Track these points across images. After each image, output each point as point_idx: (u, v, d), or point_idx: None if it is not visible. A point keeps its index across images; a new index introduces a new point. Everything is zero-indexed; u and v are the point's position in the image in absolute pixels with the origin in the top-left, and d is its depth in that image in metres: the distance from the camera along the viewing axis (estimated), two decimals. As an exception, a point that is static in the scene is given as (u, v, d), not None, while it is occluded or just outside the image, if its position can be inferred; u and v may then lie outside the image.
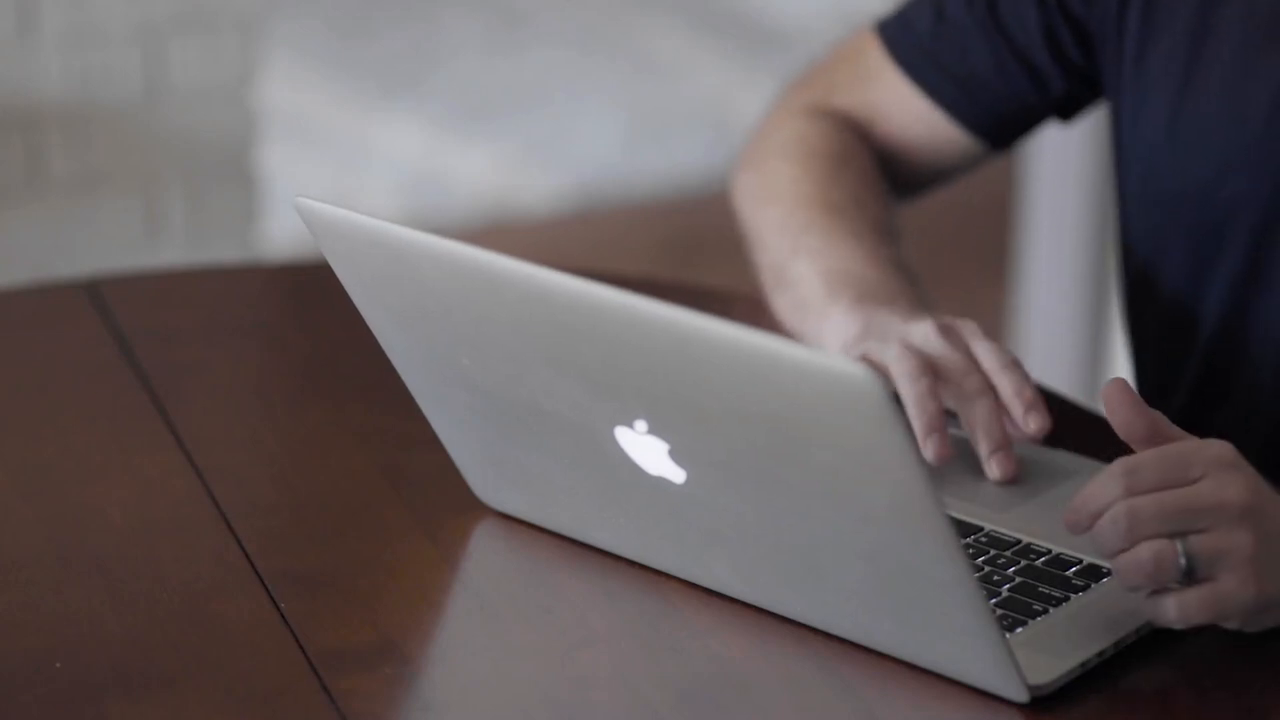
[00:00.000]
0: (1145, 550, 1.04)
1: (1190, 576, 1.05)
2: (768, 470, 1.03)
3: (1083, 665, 1.07)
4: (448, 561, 1.21)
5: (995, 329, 3.18)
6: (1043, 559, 1.15)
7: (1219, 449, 1.07)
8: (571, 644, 1.12)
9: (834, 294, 1.34)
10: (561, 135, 4.19)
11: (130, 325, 1.49)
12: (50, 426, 1.35)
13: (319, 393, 1.43)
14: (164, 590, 1.16)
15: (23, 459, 1.31)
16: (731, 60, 4.61)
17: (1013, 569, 1.14)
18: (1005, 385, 1.24)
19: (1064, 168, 2.98)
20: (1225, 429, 1.32)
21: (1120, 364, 2.88)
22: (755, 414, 1.00)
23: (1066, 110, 1.49)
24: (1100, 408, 1.13)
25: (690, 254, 3.68)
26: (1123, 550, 1.05)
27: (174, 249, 2.74)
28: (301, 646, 1.10)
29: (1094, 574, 1.13)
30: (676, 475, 1.08)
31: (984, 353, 1.25)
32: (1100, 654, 1.08)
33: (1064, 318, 3.03)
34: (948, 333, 1.26)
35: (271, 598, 1.15)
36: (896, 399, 1.22)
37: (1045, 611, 1.10)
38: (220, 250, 2.75)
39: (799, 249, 1.41)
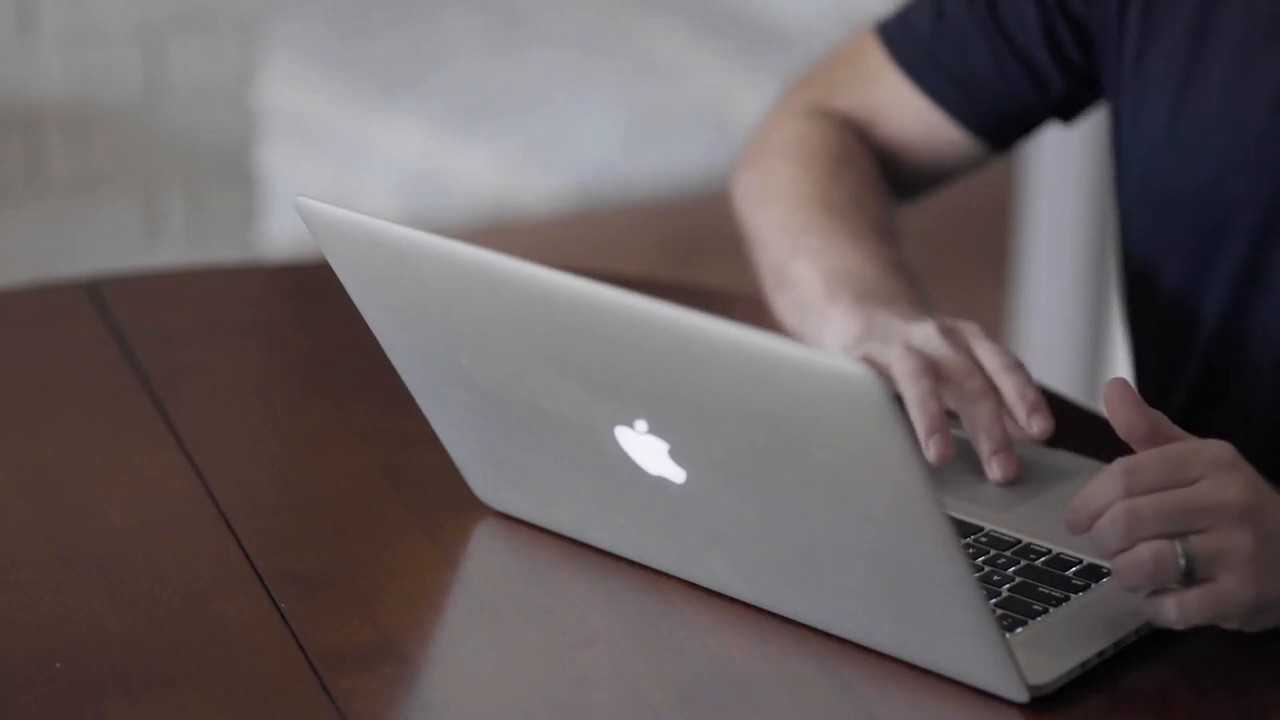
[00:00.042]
0: (1145, 550, 1.04)
1: (1190, 577, 1.05)
2: (768, 470, 1.03)
3: (1083, 665, 1.07)
4: (448, 561, 1.21)
5: (995, 330, 3.18)
6: (1043, 559, 1.15)
7: (1219, 449, 1.07)
8: (571, 644, 1.12)
9: (834, 294, 1.34)
10: (561, 135, 4.19)
11: (130, 325, 1.49)
12: (50, 426, 1.35)
13: (319, 393, 1.43)
14: (164, 590, 1.16)
15: (23, 459, 1.31)
16: (731, 60, 4.61)
17: (1013, 569, 1.14)
18: (1008, 387, 1.24)
19: (1064, 168, 2.98)
20: (1225, 429, 1.32)
21: (1120, 364, 2.88)
22: (755, 414, 1.00)
23: (1067, 111, 1.49)
24: (1100, 408, 1.13)
25: (690, 254, 3.68)
26: (1122, 550, 1.05)
27: (174, 249, 2.74)
28: (301, 646, 1.10)
29: (1094, 574, 1.13)
30: (676, 475, 1.08)
31: (986, 354, 1.25)
32: (1100, 654, 1.08)
33: (1064, 318, 3.03)
34: (949, 334, 1.26)
35: (271, 598, 1.15)
36: (898, 399, 1.22)
37: (1045, 611, 1.10)
38: (220, 250, 2.75)
39: (799, 249, 1.41)
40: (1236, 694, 1.07)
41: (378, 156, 4.10)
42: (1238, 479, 1.06)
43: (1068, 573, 1.14)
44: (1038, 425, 1.23)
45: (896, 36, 1.50)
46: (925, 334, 1.26)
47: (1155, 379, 1.47)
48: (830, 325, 1.33)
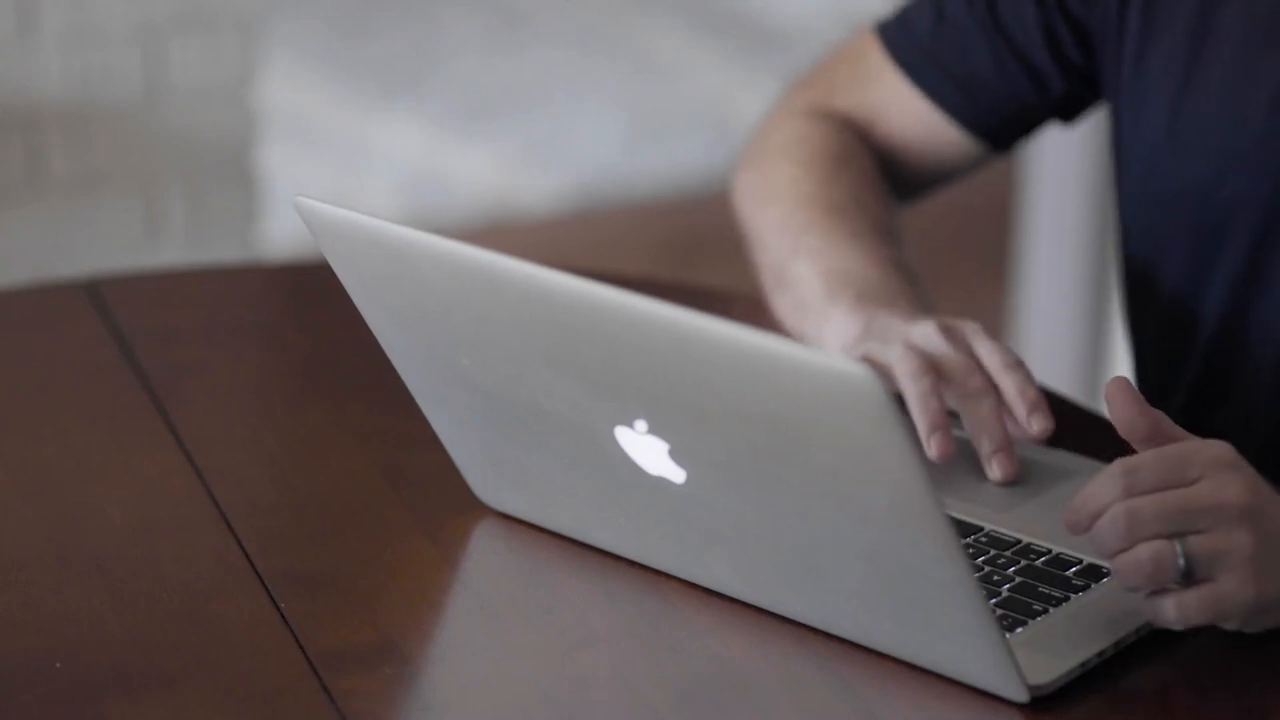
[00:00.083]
0: (1144, 551, 1.04)
1: (1189, 577, 1.05)
2: (768, 470, 1.03)
3: (1083, 665, 1.07)
4: (448, 561, 1.21)
5: (995, 330, 3.17)
6: (1043, 559, 1.15)
7: (1219, 449, 1.07)
8: (571, 644, 1.12)
9: (834, 295, 1.34)
10: (561, 135, 4.19)
11: (130, 325, 1.49)
12: (50, 426, 1.35)
13: (319, 393, 1.43)
14: (164, 590, 1.16)
15: (23, 459, 1.31)
16: (731, 60, 4.61)
17: (1013, 569, 1.14)
18: (1008, 386, 1.24)
19: (1064, 168, 2.98)
20: (1225, 429, 1.32)
21: (1120, 364, 2.88)
22: (755, 414, 1.00)
23: (1067, 111, 1.49)
24: (1101, 408, 1.13)
25: (690, 254, 3.68)
26: (1122, 551, 1.05)
27: (174, 249, 2.74)
28: (301, 646, 1.10)
29: (1094, 574, 1.13)
30: (676, 475, 1.08)
31: (986, 352, 1.25)
32: (1100, 654, 1.08)
33: (1064, 318, 3.03)
34: (950, 333, 1.26)
35: (271, 598, 1.15)
36: (898, 399, 1.22)
37: (1045, 611, 1.10)
38: (220, 250, 2.75)
39: (799, 249, 1.41)
40: (1236, 694, 1.07)
41: (378, 156, 4.10)
42: (1238, 479, 1.06)
43: (1068, 573, 1.14)
44: (1037, 424, 1.23)
45: (896, 37, 1.50)
46: (925, 333, 1.26)
47: (1155, 379, 1.47)
48: (830, 325, 1.33)
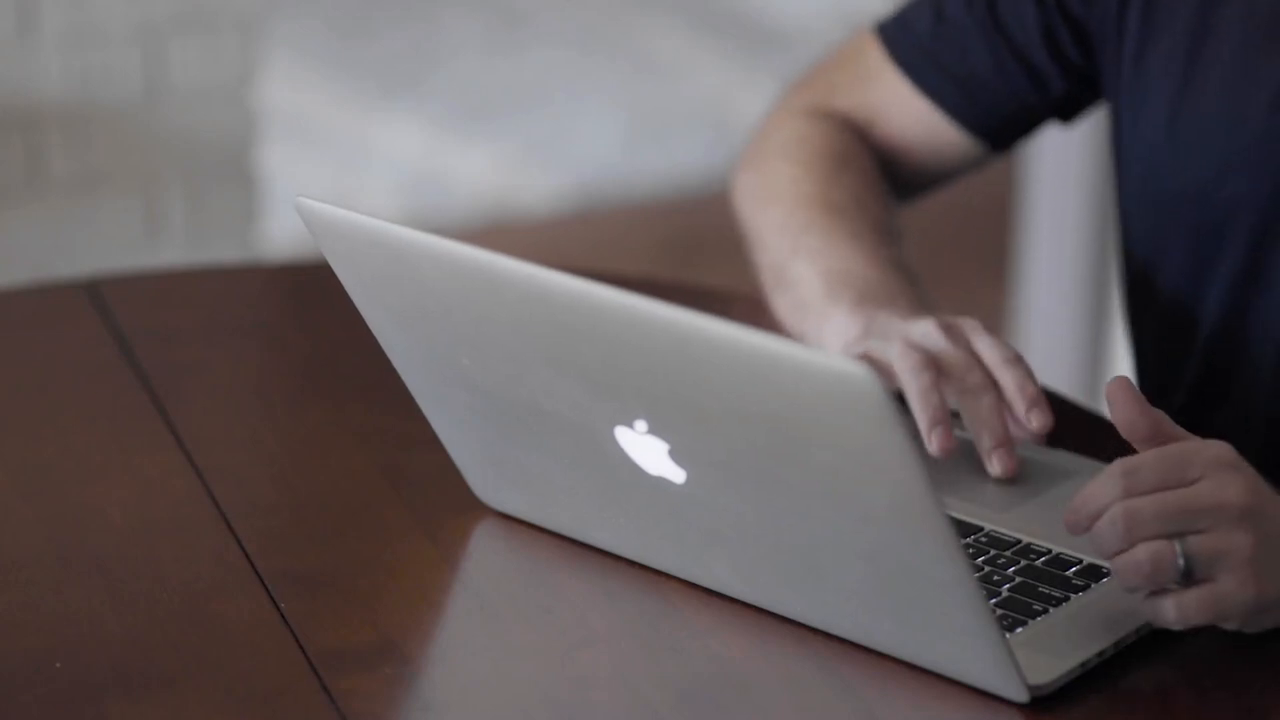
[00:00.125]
0: (1143, 551, 1.04)
1: (1189, 577, 1.05)
2: (768, 470, 1.03)
3: (1083, 665, 1.07)
4: (448, 561, 1.21)
5: (995, 330, 3.17)
6: (1043, 559, 1.15)
7: (1219, 450, 1.07)
8: (571, 644, 1.12)
9: (834, 295, 1.34)
10: (561, 135, 4.19)
11: (130, 325, 1.49)
12: (50, 426, 1.35)
13: (319, 393, 1.43)
14: (164, 590, 1.16)
15: (23, 459, 1.31)
16: (731, 60, 4.61)
17: (1013, 569, 1.14)
18: (1008, 381, 1.24)
19: (1064, 168, 2.98)
20: (1225, 429, 1.32)
21: (1120, 364, 2.88)
22: (755, 414, 1.00)
23: (1066, 111, 1.49)
24: (1101, 408, 1.13)
25: (690, 254, 3.68)
26: (1121, 551, 1.05)
27: (174, 249, 2.74)
28: (301, 646, 1.10)
29: (1094, 574, 1.13)
30: (676, 475, 1.08)
31: (986, 348, 1.25)
32: (1100, 654, 1.08)
33: (1064, 318, 3.03)
34: (949, 329, 1.26)
35: (271, 598, 1.15)
36: (899, 398, 1.22)
37: (1045, 611, 1.10)
38: (220, 250, 2.75)
39: (799, 249, 1.41)
40: (1236, 694, 1.07)
41: (378, 156, 4.10)
42: (1237, 480, 1.06)
43: (1068, 573, 1.14)
44: (1037, 420, 1.23)
45: (896, 36, 1.50)
46: (925, 330, 1.26)
47: (1155, 379, 1.47)
48: (831, 326, 1.33)
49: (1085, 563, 1.14)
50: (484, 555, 1.21)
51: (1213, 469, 1.06)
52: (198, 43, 2.70)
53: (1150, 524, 1.04)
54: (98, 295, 1.53)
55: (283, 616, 1.13)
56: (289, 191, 1.87)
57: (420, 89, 4.36)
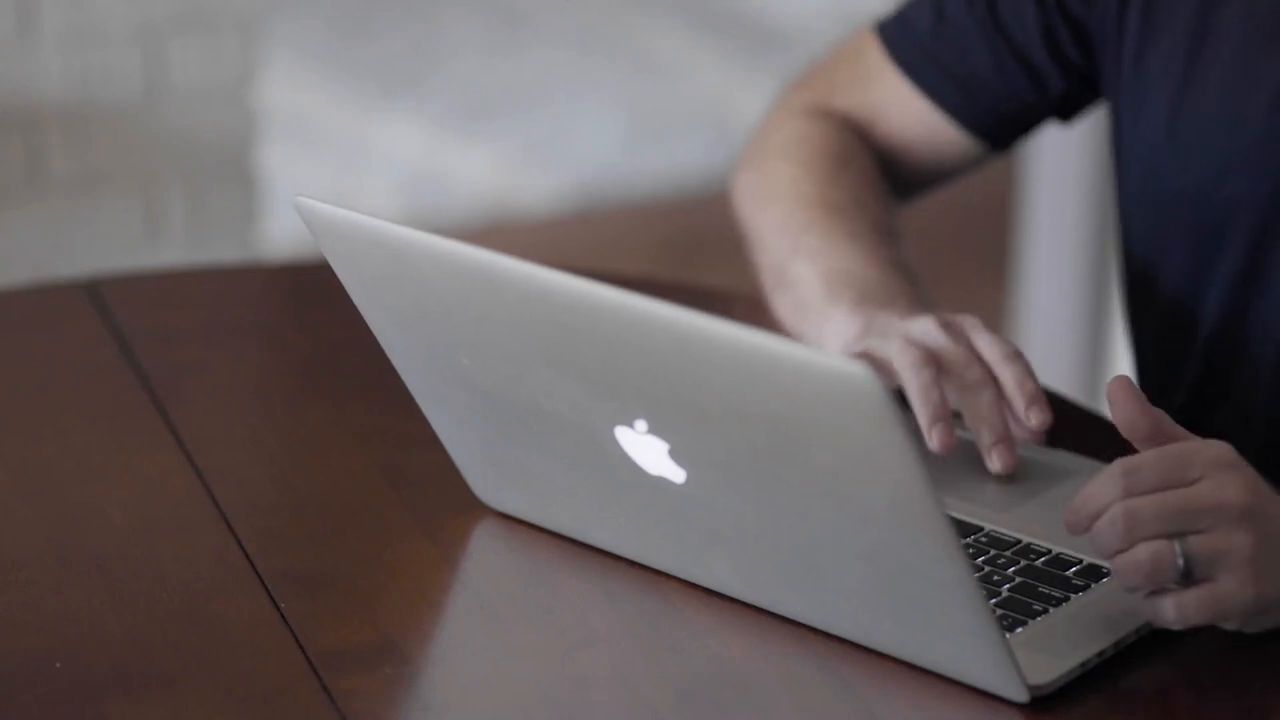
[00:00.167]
0: (1143, 551, 1.04)
1: (1188, 577, 1.05)
2: (768, 470, 1.03)
3: (1083, 665, 1.07)
4: (448, 561, 1.21)
5: (995, 329, 3.17)
6: (1043, 559, 1.15)
7: (1219, 450, 1.07)
8: (571, 644, 1.12)
9: (834, 295, 1.34)
10: (561, 135, 4.19)
11: (130, 325, 1.49)
12: (50, 426, 1.35)
13: (319, 393, 1.43)
14: (164, 590, 1.16)
15: (23, 459, 1.31)
16: (731, 60, 4.61)
17: (1013, 569, 1.14)
18: (1007, 377, 1.24)
19: (1064, 168, 2.98)
20: (1225, 429, 1.32)
21: (1120, 364, 2.88)
22: (755, 414, 1.00)
23: (1066, 110, 1.49)
24: (1101, 407, 1.13)
25: (690, 254, 3.68)
26: (1121, 551, 1.05)
27: (174, 249, 2.74)
28: (301, 646, 1.10)
29: (1094, 574, 1.13)
30: (676, 475, 1.08)
31: (985, 344, 1.25)
32: (1100, 654, 1.08)
33: (1064, 318, 3.03)
34: (949, 326, 1.26)
35: (271, 598, 1.15)
36: (900, 396, 1.22)
37: (1045, 611, 1.10)
38: (220, 250, 2.75)
39: (799, 249, 1.41)
40: (1236, 694, 1.07)
41: (378, 156, 4.10)
42: (1238, 479, 1.06)
43: (1068, 573, 1.14)
44: (1035, 418, 1.23)
45: (896, 36, 1.50)
46: (924, 327, 1.26)
47: (1155, 378, 1.47)
48: (831, 326, 1.33)
49: (1085, 563, 1.14)
50: (484, 555, 1.21)
51: (1213, 469, 1.06)
52: (198, 43, 2.70)
53: (1150, 524, 1.04)
54: (98, 295, 1.53)
55: (283, 616, 1.13)
56: (289, 191, 1.87)
57: (420, 89, 4.36)
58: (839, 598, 1.08)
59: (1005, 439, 1.23)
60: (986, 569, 1.14)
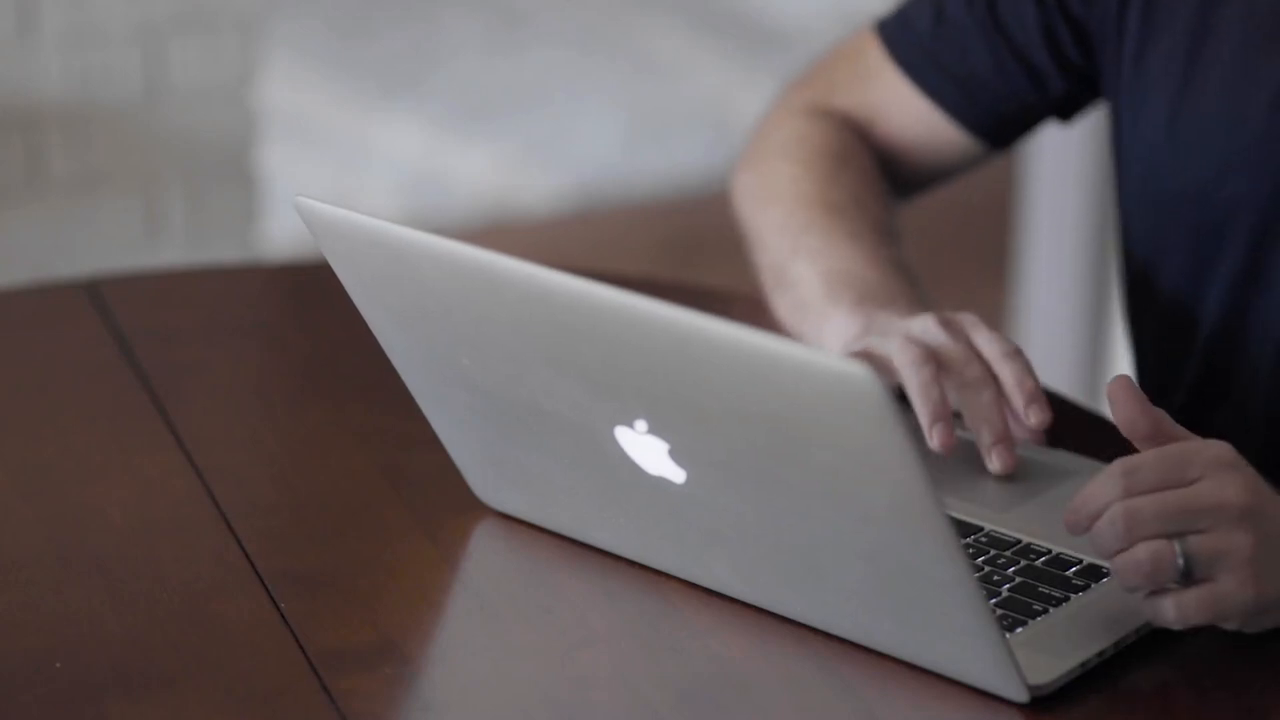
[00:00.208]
0: (1143, 551, 1.04)
1: (1188, 577, 1.05)
2: (768, 470, 1.03)
3: (1083, 665, 1.07)
4: (448, 561, 1.21)
5: (995, 328, 3.17)
6: (1043, 559, 1.15)
7: (1219, 450, 1.07)
8: (571, 644, 1.12)
9: (834, 295, 1.34)
10: (561, 135, 4.19)
11: (130, 325, 1.49)
12: (50, 426, 1.35)
13: (319, 393, 1.43)
14: (164, 590, 1.16)
15: (23, 459, 1.31)
16: (731, 60, 4.61)
17: (1013, 569, 1.14)
18: (1007, 375, 1.24)
19: (1064, 168, 2.98)
20: (1225, 429, 1.32)
21: (1120, 364, 2.88)
22: (755, 414, 1.00)
23: (1066, 110, 1.49)
24: (1101, 407, 1.13)
25: (690, 254, 3.68)
26: (1121, 551, 1.05)
27: (174, 249, 2.74)
28: (301, 646, 1.10)
29: (1094, 574, 1.13)
30: (676, 475, 1.08)
31: (985, 342, 1.25)
32: (1100, 654, 1.08)
33: (1064, 318, 3.03)
34: (948, 324, 1.26)
35: (271, 598, 1.15)
36: (899, 394, 1.22)
37: (1045, 611, 1.10)
38: (220, 250, 2.75)
39: (799, 249, 1.41)
40: (1236, 694, 1.07)
41: (378, 156, 4.10)
42: (1237, 479, 1.06)
43: (1068, 573, 1.14)
44: (1035, 416, 1.23)
45: (896, 35, 1.50)
46: (924, 325, 1.26)
47: (1155, 378, 1.47)
48: (831, 326, 1.33)
49: (1085, 563, 1.14)
50: (484, 555, 1.21)
51: (1213, 469, 1.06)
52: (198, 43, 2.70)
53: (1150, 524, 1.04)
54: (98, 295, 1.53)
55: (283, 616, 1.13)
56: (289, 191, 1.87)
57: (420, 89, 4.36)
58: (839, 598, 1.08)
59: (1005, 439, 1.23)
60: (986, 569, 1.14)
